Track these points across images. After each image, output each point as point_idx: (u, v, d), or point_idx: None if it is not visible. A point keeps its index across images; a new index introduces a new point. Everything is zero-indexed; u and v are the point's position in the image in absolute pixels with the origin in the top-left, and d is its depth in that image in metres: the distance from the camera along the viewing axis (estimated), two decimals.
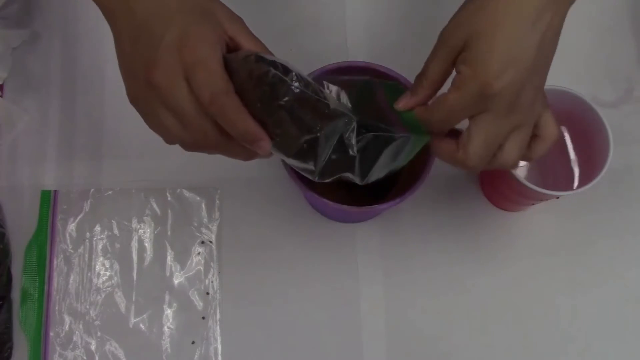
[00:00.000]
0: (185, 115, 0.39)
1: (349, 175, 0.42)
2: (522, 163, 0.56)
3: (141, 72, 0.39)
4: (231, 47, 0.42)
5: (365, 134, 0.41)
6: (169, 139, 0.42)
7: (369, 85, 0.44)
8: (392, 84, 0.46)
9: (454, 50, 0.40)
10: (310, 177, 0.42)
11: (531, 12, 0.39)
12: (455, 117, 0.41)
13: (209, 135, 0.40)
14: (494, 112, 0.40)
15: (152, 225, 0.61)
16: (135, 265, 0.60)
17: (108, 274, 0.60)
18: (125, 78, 0.41)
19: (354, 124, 0.40)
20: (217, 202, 0.62)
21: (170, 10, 0.40)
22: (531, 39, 0.39)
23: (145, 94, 0.40)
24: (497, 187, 0.59)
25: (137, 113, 0.64)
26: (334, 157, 0.41)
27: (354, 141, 0.40)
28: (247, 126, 0.39)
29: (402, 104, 0.43)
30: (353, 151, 0.41)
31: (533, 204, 0.60)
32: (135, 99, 0.41)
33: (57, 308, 0.59)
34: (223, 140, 0.40)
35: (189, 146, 0.41)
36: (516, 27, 0.39)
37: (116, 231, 0.61)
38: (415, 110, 0.43)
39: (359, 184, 0.43)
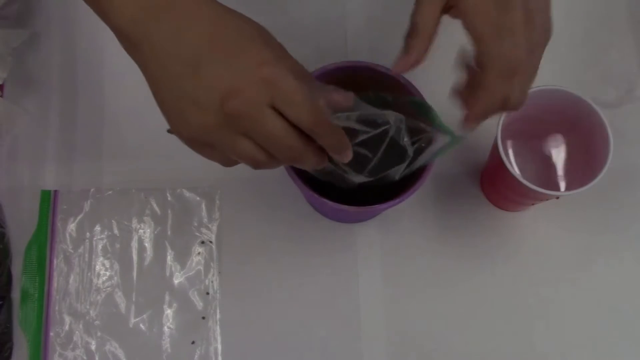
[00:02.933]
0: (275, 140, 0.39)
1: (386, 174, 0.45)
2: (519, 163, 0.56)
3: (213, 104, 0.38)
4: None
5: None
6: (245, 162, 0.41)
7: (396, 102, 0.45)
8: (416, 100, 0.47)
9: None
10: (350, 179, 0.44)
11: None
12: (505, 93, 0.41)
13: (297, 150, 0.39)
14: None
15: (152, 225, 0.61)
16: (135, 265, 0.60)
17: (108, 274, 0.60)
18: (176, 112, 0.39)
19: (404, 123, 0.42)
20: (217, 202, 0.62)
21: (230, 38, 0.39)
22: None
23: (218, 126, 0.38)
24: (497, 187, 0.59)
25: (136, 113, 0.65)
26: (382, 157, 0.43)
27: (406, 139, 0.43)
28: (341, 138, 0.41)
29: (400, 66, 0.41)
30: (408, 149, 0.43)
31: (533, 204, 0.60)
32: (204, 132, 0.39)
33: (57, 308, 0.59)
34: (308, 152, 0.40)
35: (262, 165, 0.41)
36: None
37: (116, 231, 0.61)
38: (464, 119, 0.42)
39: (395, 179, 0.45)
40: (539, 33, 0.41)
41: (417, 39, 0.41)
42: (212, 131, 0.39)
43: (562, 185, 0.56)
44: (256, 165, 0.41)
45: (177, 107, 0.39)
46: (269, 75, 0.37)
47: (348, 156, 0.42)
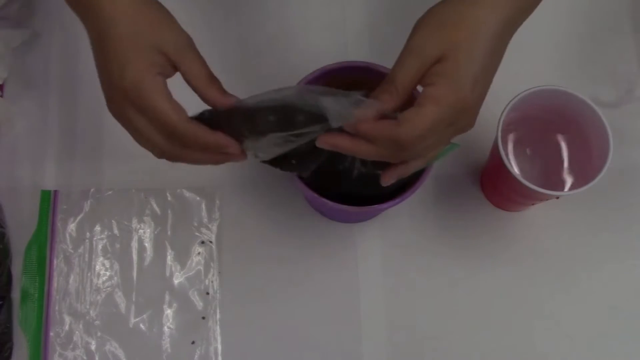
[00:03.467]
0: (143, 137, 0.42)
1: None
2: (521, 165, 0.56)
3: (116, 75, 0.41)
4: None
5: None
6: (144, 142, 0.44)
7: None
8: None
9: (428, 60, 0.41)
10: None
11: (499, 28, 0.41)
12: (434, 134, 0.41)
13: (167, 151, 0.44)
14: (456, 121, 0.41)
15: (152, 225, 0.61)
16: (135, 265, 0.60)
17: (108, 274, 0.60)
18: (106, 81, 0.43)
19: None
20: (217, 202, 0.62)
21: (114, 44, 0.41)
22: (500, 52, 0.42)
23: (120, 97, 0.42)
24: (497, 187, 0.59)
25: None
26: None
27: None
28: (210, 140, 0.43)
29: (368, 112, 0.41)
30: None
31: (533, 204, 0.60)
32: (112, 99, 0.43)
33: (57, 308, 0.59)
34: (182, 153, 0.44)
35: (157, 150, 0.44)
36: (489, 42, 0.41)
37: (116, 231, 0.61)
38: (382, 126, 0.41)
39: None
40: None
41: (394, 92, 0.42)
42: (115, 101, 0.43)
43: (562, 185, 0.56)
44: (153, 149, 0.44)
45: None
46: (127, 87, 0.41)
47: (236, 156, 0.45)
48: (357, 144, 0.42)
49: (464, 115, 0.41)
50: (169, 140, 0.42)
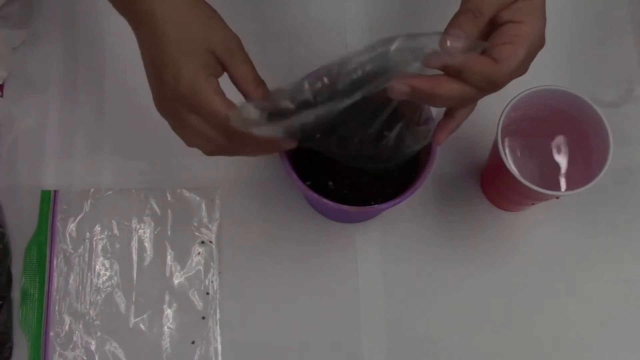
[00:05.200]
0: (202, 136, 0.43)
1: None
2: (519, 163, 0.56)
3: (167, 77, 0.42)
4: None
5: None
6: (195, 142, 0.45)
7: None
8: None
9: (486, 19, 0.41)
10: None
11: None
12: (520, 73, 0.41)
13: (225, 147, 0.44)
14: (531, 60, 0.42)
15: (152, 225, 0.61)
16: (135, 265, 0.60)
17: (108, 274, 0.60)
18: (155, 81, 0.43)
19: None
20: (217, 202, 0.62)
21: (166, 49, 0.41)
22: None
23: (169, 98, 0.43)
24: (497, 187, 0.59)
25: (136, 113, 0.65)
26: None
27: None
28: (264, 141, 0.42)
29: (458, 43, 0.39)
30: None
31: (533, 204, 0.60)
32: (162, 101, 0.44)
33: (57, 308, 0.59)
34: (240, 147, 0.44)
35: (209, 149, 0.44)
36: None
37: (116, 231, 0.61)
38: (480, 63, 0.39)
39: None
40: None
41: (479, 23, 0.41)
42: (165, 103, 0.43)
43: (562, 185, 0.56)
44: (204, 148, 0.44)
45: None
46: (182, 90, 0.41)
47: (287, 147, 0.44)
48: (438, 82, 0.39)
49: (534, 57, 0.42)
50: (228, 138, 0.43)
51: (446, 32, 0.40)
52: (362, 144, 0.44)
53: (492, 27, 0.41)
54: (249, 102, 0.42)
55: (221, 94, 0.42)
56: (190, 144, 0.45)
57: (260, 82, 0.44)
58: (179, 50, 0.41)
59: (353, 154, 0.44)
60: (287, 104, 0.41)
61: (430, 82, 0.39)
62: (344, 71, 0.39)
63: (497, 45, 0.40)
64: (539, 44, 0.41)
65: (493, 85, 0.40)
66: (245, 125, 0.41)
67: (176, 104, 0.42)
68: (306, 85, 0.40)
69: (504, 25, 0.40)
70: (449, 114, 0.44)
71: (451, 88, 0.39)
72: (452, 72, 0.39)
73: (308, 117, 0.40)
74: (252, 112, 0.41)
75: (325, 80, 0.40)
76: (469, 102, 0.42)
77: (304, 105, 0.40)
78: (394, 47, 0.38)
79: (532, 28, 0.40)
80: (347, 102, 0.39)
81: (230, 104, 0.42)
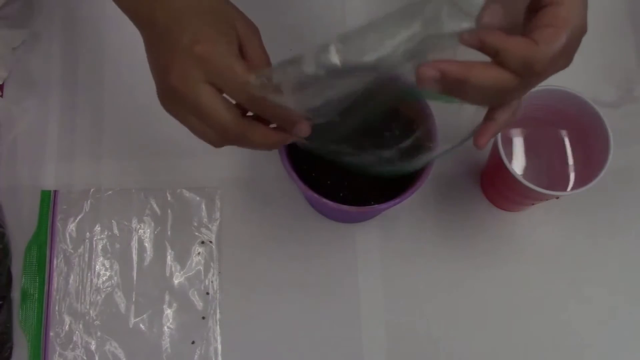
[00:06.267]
0: (205, 115, 0.40)
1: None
2: (519, 163, 0.56)
3: (162, 77, 0.40)
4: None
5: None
6: (201, 138, 0.42)
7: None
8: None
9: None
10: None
11: None
12: (561, 60, 0.38)
13: (230, 129, 0.40)
14: (572, 51, 0.39)
15: (152, 225, 0.61)
16: (135, 265, 0.60)
17: (108, 274, 0.60)
18: (155, 82, 0.42)
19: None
20: (217, 202, 0.62)
21: (187, 16, 0.40)
22: None
23: (167, 98, 0.41)
24: (497, 187, 0.59)
25: (136, 113, 0.65)
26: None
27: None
28: (284, 112, 0.40)
29: (495, 16, 0.36)
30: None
31: (533, 204, 0.60)
32: (162, 102, 0.42)
33: (57, 308, 0.59)
34: (246, 131, 0.41)
35: (215, 143, 0.42)
36: None
37: (116, 231, 0.61)
38: (518, 43, 0.36)
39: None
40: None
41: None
42: (164, 104, 0.41)
43: (562, 185, 0.56)
44: (210, 142, 0.42)
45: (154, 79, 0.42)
46: (200, 52, 0.38)
47: (302, 131, 0.41)
48: (470, 66, 0.36)
49: (578, 43, 0.39)
50: (237, 121, 0.40)
51: (485, 7, 0.36)
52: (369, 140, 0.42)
53: (533, 13, 0.38)
54: (271, 69, 0.39)
55: (241, 59, 0.40)
56: (197, 132, 0.42)
57: None
58: (201, 20, 0.40)
59: (358, 154, 0.43)
60: (314, 68, 0.37)
61: (462, 66, 0.36)
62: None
63: (538, 27, 0.37)
64: (581, 29, 0.39)
65: (531, 70, 0.36)
66: (268, 91, 0.38)
67: (194, 71, 0.39)
68: (333, 50, 0.36)
69: (545, 8, 0.37)
70: (489, 117, 0.41)
71: (485, 73, 0.36)
72: (489, 52, 0.36)
73: (335, 87, 0.37)
74: (286, 73, 0.38)
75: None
76: (507, 95, 0.38)
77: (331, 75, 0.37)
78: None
79: (572, 10, 0.38)
80: (373, 75, 0.36)
81: (250, 69, 0.39)
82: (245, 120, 0.41)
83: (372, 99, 0.39)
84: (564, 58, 0.38)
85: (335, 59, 0.36)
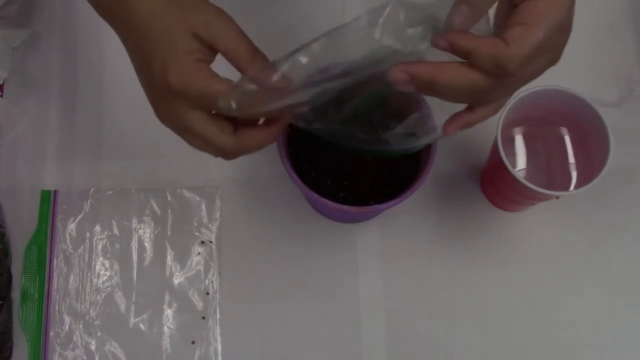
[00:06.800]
0: (200, 139, 0.40)
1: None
2: (519, 163, 0.56)
3: (153, 103, 0.41)
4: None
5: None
6: (201, 151, 0.42)
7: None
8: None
9: None
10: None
11: None
12: (539, 57, 0.36)
13: (228, 150, 0.41)
14: (555, 47, 0.37)
15: (152, 225, 0.61)
16: (135, 265, 0.60)
17: (108, 274, 0.60)
18: (148, 99, 0.42)
19: None
20: (217, 202, 0.62)
21: (146, 41, 0.39)
22: None
23: (162, 119, 0.41)
24: (497, 187, 0.59)
25: (136, 113, 0.65)
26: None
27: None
28: (270, 109, 0.39)
29: (465, 18, 0.35)
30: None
31: (533, 204, 0.60)
32: (158, 117, 0.42)
33: (57, 308, 0.59)
34: (242, 146, 0.41)
35: (217, 157, 0.42)
36: None
37: (116, 231, 0.61)
38: (488, 44, 0.35)
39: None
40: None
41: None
42: (161, 120, 0.41)
43: (562, 185, 0.56)
44: (211, 155, 0.42)
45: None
46: (175, 88, 0.38)
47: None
48: (441, 68, 0.35)
49: (563, 39, 0.37)
50: (231, 133, 0.40)
51: (454, 7, 0.35)
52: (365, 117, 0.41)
53: (512, 8, 0.37)
54: (244, 77, 0.38)
55: (215, 75, 0.38)
56: (197, 145, 0.42)
57: (256, 55, 0.39)
58: (161, 46, 0.38)
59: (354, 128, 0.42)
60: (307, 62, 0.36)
61: (432, 68, 0.36)
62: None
63: (511, 25, 0.35)
64: (561, 26, 0.36)
65: (503, 70, 0.35)
66: (253, 100, 0.37)
67: (174, 102, 0.39)
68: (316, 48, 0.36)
69: (521, 4, 0.36)
70: (468, 108, 0.40)
71: (456, 74, 0.36)
72: (460, 54, 0.36)
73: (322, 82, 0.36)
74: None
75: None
76: (483, 94, 0.38)
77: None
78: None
79: (552, 3, 0.35)
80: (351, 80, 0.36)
81: (230, 83, 0.38)
82: (239, 135, 0.41)
83: (362, 88, 0.39)
84: (543, 55, 0.36)
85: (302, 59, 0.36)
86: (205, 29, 0.39)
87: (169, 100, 0.39)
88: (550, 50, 0.37)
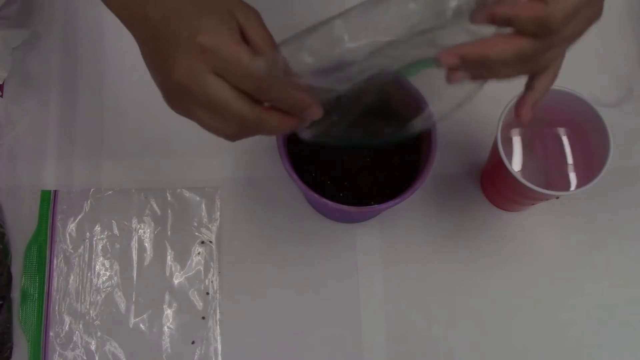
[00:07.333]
0: (219, 108, 0.39)
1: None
2: (519, 163, 0.56)
3: (164, 75, 0.39)
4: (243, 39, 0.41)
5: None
6: (214, 133, 0.41)
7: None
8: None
9: None
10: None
11: None
12: (579, 14, 0.36)
13: (249, 119, 0.39)
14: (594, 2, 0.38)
15: (152, 225, 0.61)
16: (135, 265, 0.60)
17: (108, 274, 0.60)
18: (156, 83, 0.41)
19: None
20: (217, 202, 0.62)
21: (182, 8, 0.39)
22: None
23: (173, 95, 0.40)
24: (497, 187, 0.59)
25: (136, 113, 0.65)
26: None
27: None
28: (296, 97, 0.39)
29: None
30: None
31: (533, 204, 0.60)
32: (167, 100, 0.41)
33: (57, 308, 0.59)
34: (263, 118, 0.40)
35: (232, 136, 0.41)
36: None
37: (116, 231, 0.61)
38: (527, 7, 0.35)
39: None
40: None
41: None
42: (171, 103, 0.40)
43: (562, 185, 0.56)
44: (224, 136, 0.41)
45: (154, 81, 0.41)
46: (204, 44, 0.37)
47: (314, 114, 0.40)
48: (487, 43, 0.36)
49: None
50: (252, 102, 0.39)
51: None
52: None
53: None
54: (277, 52, 0.39)
55: (245, 45, 0.39)
56: (209, 127, 0.40)
57: (277, 54, 0.40)
58: (194, 12, 0.39)
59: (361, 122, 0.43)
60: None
61: (479, 45, 0.36)
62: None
63: None
64: None
65: (546, 28, 0.35)
66: (276, 75, 0.38)
67: (200, 65, 0.38)
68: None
69: None
70: (528, 86, 0.41)
71: (503, 45, 0.36)
72: (502, 23, 0.36)
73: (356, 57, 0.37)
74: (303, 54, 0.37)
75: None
76: (534, 60, 0.38)
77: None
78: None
79: None
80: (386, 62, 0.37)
81: (256, 55, 0.38)
82: (260, 107, 0.40)
83: (368, 84, 0.39)
84: (583, 10, 0.37)
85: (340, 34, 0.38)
86: (243, 15, 0.40)
87: (189, 61, 0.38)
88: (589, 5, 0.37)
